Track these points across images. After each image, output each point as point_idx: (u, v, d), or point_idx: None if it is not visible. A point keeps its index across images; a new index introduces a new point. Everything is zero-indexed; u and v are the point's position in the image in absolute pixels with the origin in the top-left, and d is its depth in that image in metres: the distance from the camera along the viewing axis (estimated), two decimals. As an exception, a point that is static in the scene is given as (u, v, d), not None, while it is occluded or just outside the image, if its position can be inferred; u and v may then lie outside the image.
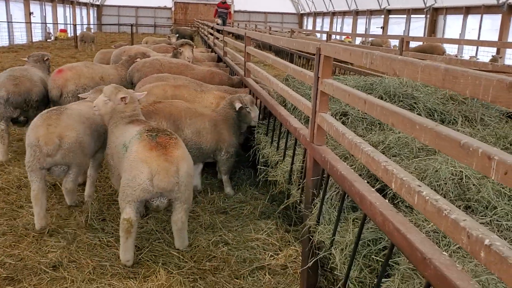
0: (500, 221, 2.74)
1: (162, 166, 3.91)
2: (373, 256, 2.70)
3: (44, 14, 31.67)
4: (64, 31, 33.68)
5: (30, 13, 28.71)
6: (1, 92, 6.21)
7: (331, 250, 2.93)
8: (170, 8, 46.18)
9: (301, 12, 48.33)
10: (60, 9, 35.54)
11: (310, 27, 45.26)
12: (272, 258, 4.29)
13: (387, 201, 2.38)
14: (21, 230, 4.59)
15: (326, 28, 40.65)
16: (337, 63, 13.01)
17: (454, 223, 1.59)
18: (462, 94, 1.58)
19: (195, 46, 10.22)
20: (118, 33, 40.09)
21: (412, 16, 28.86)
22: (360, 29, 35.32)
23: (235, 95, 5.88)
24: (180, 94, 6.12)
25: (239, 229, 4.88)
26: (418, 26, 28.51)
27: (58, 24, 34.39)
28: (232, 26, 27.19)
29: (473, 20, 23.34)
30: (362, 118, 4.48)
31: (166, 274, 3.90)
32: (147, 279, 3.86)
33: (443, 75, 1.73)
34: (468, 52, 21.57)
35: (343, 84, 2.88)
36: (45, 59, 7.45)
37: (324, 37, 24.69)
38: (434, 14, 26.27)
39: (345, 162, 3.21)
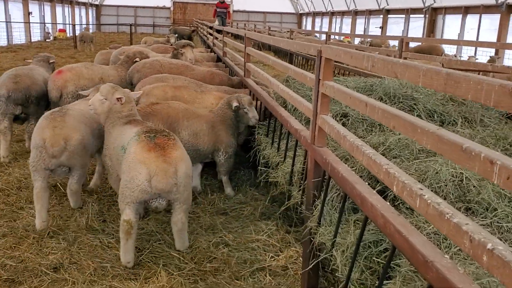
0: (500, 223, 2.75)
1: (161, 167, 3.92)
2: (374, 258, 2.71)
3: (42, 14, 31.64)
4: (63, 31, 33.67)
5: (29, 13, 28.69)
6: (2, 91, 6.39)
7: (332, 252, 2.94)
8: (169, 8, 46.16)
9: (300, 12, 48.34)
10: (59, 9, 35.51)
11: (309, 27, 45.28)
12: (273, 259, 4.30)
13: (388, 203, 2.38)
14: (21, 232, 4.59)
15: (325, 27, 40.67)
16: (337, 63, 13.04)
17: (456, 226, 1.60)
18: (464, 98, 1.58)
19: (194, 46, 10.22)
20: (117, 33, 40.07)
21: (411, 16, 28.89)
22: (359, 29, 35.34)
23: (233, 95, 5.87)
24: (180, 95, 6.12)
25: (240, 230, 4.88)
26: (417, 26, 28.54)
27: (57, 24, 34.35)
28: (231, 26, 27.19)
29: (472, 20, 23.37)
30: (363, 119, 4.49)
31: (167, 275, 3.90)
32: (148, 281, 3.87)
33: (444, 79, 1.73)
34: (467, 52, 21.60)
35: (344, 87, 2.89)
36: (50, 61, 7.65)
37: (323, 37, 24.71)
38: (433, 14, 26.30)
39: (346, 163, 3.22)
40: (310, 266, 3.23)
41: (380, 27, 32.04)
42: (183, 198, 4.13)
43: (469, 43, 13.62)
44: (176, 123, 5.35)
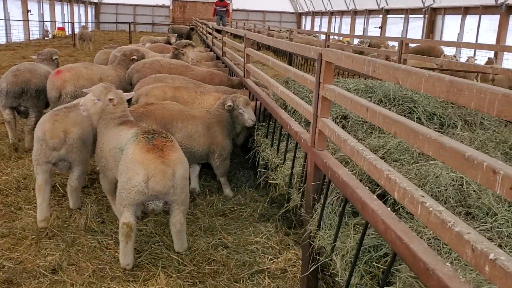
0: (500, 228, 2.74)
1: (159, 169, 3.91)
2: (374, 263, 2.70)
3: (41, 12, 31.55)
4: (62, 29, 33.58)
5: (28, 11, 28.60)
6: (2, 84, 6.73)
7: (332, 256, 2.93)
8: (168, 7, 46.08)
9: (299, 11, 48.31)
10: (57, 7, 35.41)
11: (308, 27, 45.26)
12: (272, 261, 4.29)
13: (389, 208, 2.37)
14: (19, 233, 4.58)
15: (324, 27, 40.65)
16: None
17: (458, 235, 1.59)
18: (466, 106, 1.57)
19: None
20: (116, 31, 39.99)
21: (410, 16, 28.88)
22: (358, 28, 35.33)
23: (230, 95, 5.84)
24: (180, 95, 6.10)
25: (239, 232, 4.87)
26: (416, 26, 28.53)
27: (56, 22, 34.26)
28: (231, 25, 27.16)
29: (471, 20, 23.36)
30: (362, 121, 4.48)
31: (166, 277, 3.89)
32: (147, 283, 3.86)
33: (447, 86, 1.72)
34: (466, 52, 21.60)
35: (344, 90, 2.88)
36: (53, 58, 7.91)
37: (322, 37, 24.69)
38: (433, 14, 26.29)
39: (345, 167, 3.21)
40: (310, 271, 3.22)
41: (379, 27, 32.03)
42: (181, 200, 4.12)
43: (469, 45, 13.60)
44: (170, 125, 5.29)
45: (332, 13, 39.83)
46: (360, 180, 2.98)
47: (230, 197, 5.77)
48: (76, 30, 27.03)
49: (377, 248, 2.78)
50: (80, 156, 4.89)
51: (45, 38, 30.44)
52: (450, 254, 2.47)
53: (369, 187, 2.91)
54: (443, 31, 25.88)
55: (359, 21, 35.55)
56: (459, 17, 23.98)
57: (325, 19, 41.49)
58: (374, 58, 2.44)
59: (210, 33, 16.70)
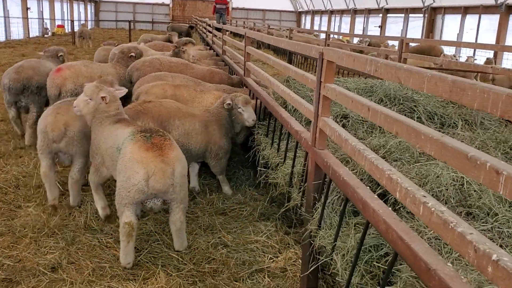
0: (501, 228, 2.74)
1: (159, 167, 3.90)
2: (374, 263, 2.70)
3: (41, 9, 31.48)
4: (62, 26, 33.53)
5: (27, 8, 28.54)
6: (5, 80, 6.93)
7: (332, 256, 2.93)
8: (168, 5, 46.01)
9: (299, 10, 48.27)
10: (57, 4, 35.33)
11: (308, 26, 45.23)
12: (272, 260, 4.29)
13: (390, 208, 2.37)
14: (19, 231, 4.58)
15: (324, 26, 40.63)
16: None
17: (461, 236, 1.59)
18: (469, 106, 1.57)
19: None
20: (115, 29, 39.92)
21: (410, 15, 28.88)
22: (358, 27, 35.32)
23: (229, 94, 5.81)
24: (180, 93, 6.08)
25: (239, 231, 4.87)
26: (416, 26, 28.53)
27: (55, 20, 34.19)
28: (230, 23, 27.13)
29: (471, 20, 23.37)
30: (363, 120, 4.48)
31: (166, 276, 3.89)
32: (147, 281, 3.85)
33: (450, 86, 1.72)
34: (466, 52, 21.60)
35: (346, 90, 2.87)
36: (58, 55, 8.08)
37: (322, 36, 24.67)
38: (432, 14, 26.29)
39: (346, 166, 3.20)
40: (310, 270, 3.22)
41: (379, 26, 32.03)
42: (180, 198, 4.13)
43: (469, 44, 13.58)
44: (167, 122, 5.26)
45: (332, 12, 39.81)
46: (361, 180, 2.97)
47: (229, 195, 5.76)
48: (76, 28, 26.96)
49: (377, 248, 2.78)
50: (81, 149, 4.98)
51: (45, 35, 30.38)
52: (451, 254, 2.47)
53: (369, 187, 2.91)
54: (443, 30, 25.88)
55: (359, 20, 35.55)
56: (459, 16, 23.98)
57: (325, 18, 41.47)
58: (376, 58, 2.43)
59: (210, 31, 16.67)
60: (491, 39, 20.50)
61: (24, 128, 7.43)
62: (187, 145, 5.33)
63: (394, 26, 30.97)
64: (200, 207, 5.42)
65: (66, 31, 33.30)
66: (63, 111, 4.95)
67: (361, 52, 15.93)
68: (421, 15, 27.15)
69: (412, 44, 14.77)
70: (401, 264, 2.49)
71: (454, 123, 4.69)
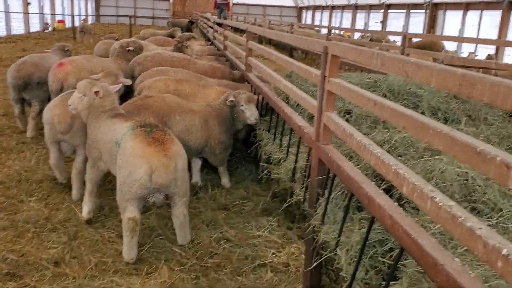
0: (506, 224, 2.74)
1: (162, 162, 3.90)
2: (379, 258, 2.69)
3: (41, 4, 31.34)
4: (62, 22, 33.38)
5: (28, 3, 28.42)
6: (8, 78, 7.10)
7: (336, 251, 2.92)
8: (169, 0, 45.84)
9: (300, 6, 48.08)
10: (57, -1, 35.23)
11: (309, 21, 45.07)
12: (274, 255, 4.28)
13: (396, 203, 2.36)
14: (21, 225, 4.57)
15: (325, 22, 40.49)
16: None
17: (470, 231, 1.58)
18: (479, 100, 1.56)
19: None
20: (116, 24, 39.80)
21: (411, 11, 28.77)
22: (359, 23, 35.20)
23: (233, 91, 5.77)
24: (182, 88, 6.07)
25: (241, 226, 4.86)
26: (417, 21, 28.42)
27: (56, 15, 34.08)
28: (231, 19, 27.04)
29: (472, 16, 23.27)
30: (366, 116, 4.47)
31: (169, 271, 3.89)
32: (150, 276, 3.85)
33: (459, 80, 1.70)
34: (467, 48, 21.53)
35: (351, 84, 2.85)
36: (65, 49, 8.25)
37: (323, 31, 24.60)
38: (434, 9, 26.19)
39: (350, 161, 3.19)
40: (314, 265, 3.21)
41: (380, 22, 31.93)
42: (182, 192, 4.13)
43: (474, 40, 13.52)
44: (167, 117, 5.25)
45: (333, 8, 39.67)
46: (365, 175, 2.97)
47: (227, 187, 5.74)
48: (76, 23, 26.88)
49: (382, 243, 2.78)
50: (85, 140, 4.95)
51: (45, 31, 30.29)
52: (456, 249, 2.46)
53: (373, 182, 2.90)
54: (444, 26, 25.79)
55: (360, 16, 35.43)
56: (461, 12, 23.89)
57: (326, 14, 41.33)
58: (382, 51, 2.42)
59: (211, 27, 16.63)
60: (493, 35, 20.41)
61: (26, 123, 7.44)
62: (187, 141, 5.31)
63: (396, 22, 30.86)
64: (202, 202, 5.41)
65: (67, 26, 33.17)
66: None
67: (362, 47, 15.84)
68: (423, 10, 27.05)
69: (414, 40, 14.74)
70: (406, 259, 2.49)
71: (458, 118, 4.68)
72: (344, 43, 2.88)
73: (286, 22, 29.36)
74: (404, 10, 29.56)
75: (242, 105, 5.52)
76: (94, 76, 5.68)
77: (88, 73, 6.70)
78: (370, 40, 19.55)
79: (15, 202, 5.08)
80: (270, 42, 20.04)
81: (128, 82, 5.71)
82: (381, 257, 2.71)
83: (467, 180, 3.13)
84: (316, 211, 3.31)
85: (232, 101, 5.51)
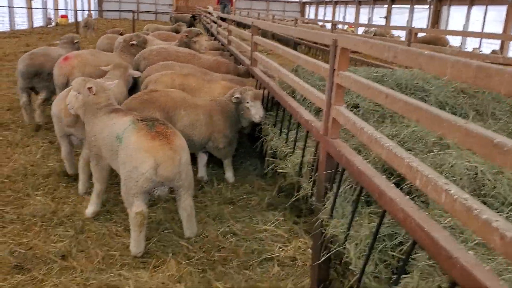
0: (516, 218, 2.72)
1: (168, 155, 3.90)
2: (389, 252, 2.68)
3: (45, 0, 31.34)
4: (65, 17, 33.37)
5: (31, -2, 28.43)
6: (20, 66, 7.25)
7: (345, 245, 2.91)
8: (172, -5, 45.77)
9: (303, 1, 47.93)
10: (60, -6, 35.16)
11: (312, 16, 44.94)
12: (281, 249, 4.28)
13: (407, 197, 2.35)
14: (28, 219, 4.58)
15: (329, 17, 40.39)
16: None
17: (486, 223, 1.57)
18: (495, 91, 1.54)
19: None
20: (119, 19, 39.76)
21: (415, 6, 28.67)
22: (363, 18, 35.09)
23: (239, 87, 5.74)
24: (188, 83, 6.06)
25: (247, 220, 4.86)
26: (421, 17, 28.33)
27: (59, 10, 34.05)
28: (234, 14, 26.93)
29: (477, 11, 23.17)
30: (374, 110, 4.45)
31: (176, 264, 3.89)
32: (157, 269, 3.86)
33: (475, 72, 1.69)
34: (471, 44, 21.45)
35: (361, 77, 2.84)
36: (74, 41, 8.44)
37: (327, 26, 24.48)
38: (438, 5, 26.08)
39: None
40: (323, 259, 3.21)
41: (384, 17, 31.81)
42: (187, 184, 4.16)
43: (478, 34, 13.42)
44: (173, 112, 5.24)
45: (336, 3, 39.55)
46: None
47: (230, 181, 5.72)
48: (79, 18, 26.86)
49: (391, 237, 2.77)
50: None
51: (48, 26, 30.28)
52: (467, 243, 2.45)
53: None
54: (449, 21, 25.69)
55: (364, 11, 35.32)
56: (465, 8, 23.78)
57: (329, 9, 41.22)
58: (394, 44, 2.40)
59: (214, 22, 16.58)
60: (498, 31, 20.33)
61: (32, 117, 7.54)
62: (191, 136, 5.31)
63: (399, 17, 30.76)
64: (208, 197, 5.41)
65: (69, 21, 33.15)
66: None
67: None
68: (427, 6, 26.95)
69: (419, 35, 14.66)
70: (416, 253, 2.48)
71: (465, 113, 4.65)
72: (354, 36, 2.86)
73: (289, 17, 29.26)
74: (408, 6, 29.45)
75: (247, 102, 5.48)
76: (104, 68, 5.87)
77: (93, 67, 6.69)
78: (373, 35, 19.48)
79: (21, 196, 5.09)
80: (273, 37, 19.97)
81: (137, 74, 5.77)
82: (391, 250, 2.70)
83: (476, 174, 3.12)
84: (324, 205, 3.30)
85: (237, 97, 5.48)
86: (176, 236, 4.41)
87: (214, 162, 6.30)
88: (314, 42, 15.80)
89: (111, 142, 4.14)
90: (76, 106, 4.55)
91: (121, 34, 11.23)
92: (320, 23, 26.68)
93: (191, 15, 25.39)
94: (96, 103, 4.47)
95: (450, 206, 1.79)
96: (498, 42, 18.93)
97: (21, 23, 26.51)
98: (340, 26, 24.54)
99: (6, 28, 24.23)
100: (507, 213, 2.78)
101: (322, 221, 3.31)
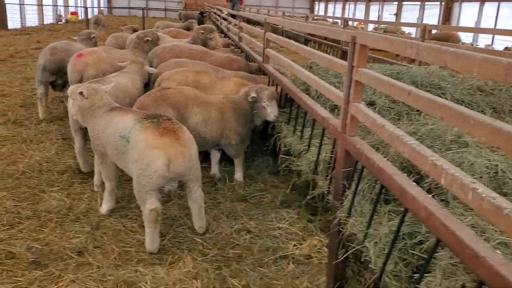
0: (539, 217, 2.69)
1: (179, 151, 3.92)
2: (409, 250, 2.67)
3: (55, -4, 31.52)
4: (75, 13, 33.51)
5: (41, -5, 28.59)
6: (40, 60, 7.46)
7: (364, 243, 2.90)
8: (181, -8, 45.71)
9: (313, -3, 47.69)
10: (70, -9, 35.30)
11: (321, 13, 44.74)
12: (296, 247, 4.28)
13: (430, 196, 2.33)
14: (44, 215, 4.61)
15: (338, 13, 40.17)
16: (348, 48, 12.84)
17: (517, 222, 1.55)
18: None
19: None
20: (128, 16, 39.86)
21: (426, 3, 28.42)
22: (373, 15, 34.87)
23: (256, 86, 5.71)
24: (201, 80, 6.06)
25: (260, 217, 4.86)
26: (432, 14, 28.09)
27: (69, 7, 34.22)
28: (244, 11, 26.89)
29: (489, 8, 22.93)
30: (389, 108, 4.42)
31: (192, 261, 3.90)
32: (173, 266, 3.87)
33: (505, 69, 1.66)
34: (483, 41, 21.22)
35: (381, 74, 2.81)
36: (91, 36, 8.83)
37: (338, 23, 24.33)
38: (449, 2, 25.83)
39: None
40: (342, 257, 3.19)
41: (394, 14, 31.59)
42: (196, 177, 4.19)
43: (494, 31, 13.23)
44: (185, 110, 5.24)
45: (346, 0, 39.33)
46: (393, 167, 2.93)
47: (239, 182, 5.72)
48: (89, 15, 26.97)
49: (411, 236, 2.75)
50: None
51: (58, 22, 30.42)
52: (489, 242, 2.43)
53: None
54: (460, 19, 25.44)
55: (374, 8, 35.10)
56: (477, 4, 23.54)
57: (339, 6, 41.01)
58: (416, 41, 2.37)
59: (224, 19, 16.56)
60: (510, 28, 20.09)
61: (46, 113, 7.78)
62: (203, 133, 5.31)
63: (410, 14, 30.53)
64: (221, 193, 5.42)
65: (80, 18, 33.30)
66: None
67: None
68: (438, 3, 26.71)
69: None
70: (437, 252, 2.46)
71: (482, 111, 4.61)
72: (373, 33, 2.84)
73: (299, 14, 29.16)
74: (419, 3, 29.21)
75: (264, 102, 5.46)
76: (121, 64, 6.02)
77: (107, 64, 6.72)
78: (383, 32, 19.34)
79: (36, 193, 5.13)
80: (283, 34, 19.91)
81: (153, 70, 5.83)
82: (411, 249, 2.69)
83: (496, 173, 3.09)
84: (342, 204, 3.29)
85: (254, 97, 5.45)
86: (190, 232, 4.43)
87: (227, 160, 6.30)
88: (324, 38, 15.73)
89: (116, 140, 4.14)
90: (74, 112, 4.65)
91: (135, 30, 11.26)
92: (330, 20, 26.53)
93: (199, 12, 25.39)
94: (90, 106, 4.51)
95: (477, 205, 1.77)
96: (511, 38, 18.69)
97: (32, 20, 26.68)
98: (350, 23, 24.40)
99: (17, 25, 24.39)
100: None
101: (339, 219, 3.30)
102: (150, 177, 3.89)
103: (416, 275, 2.47)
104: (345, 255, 3.18)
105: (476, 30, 17.04)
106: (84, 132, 5.38)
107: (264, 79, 6.82)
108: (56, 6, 31.32)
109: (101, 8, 38.40)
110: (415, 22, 28.43)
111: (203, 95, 5.55)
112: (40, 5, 28.04)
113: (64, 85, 7.60)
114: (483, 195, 1.74)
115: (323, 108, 4.22)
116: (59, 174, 5.59)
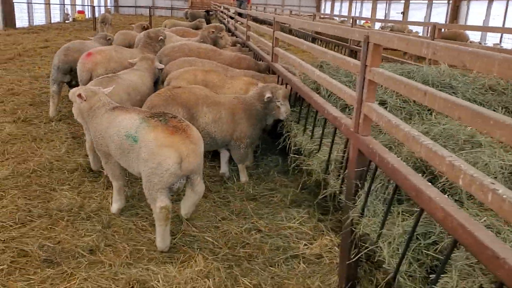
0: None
1: (191, 148, 3.94)
2: (423, 251, 2.66)
3: (62, -5, 31.62)
4: (82, 12, 33.63)
5: (49, -6, 28.71)
6: (55, 60, 7.59)
7: (378, 243, 2.89)
8: (187, -10, 45.72)
9: (319, -4, 47.53)
10: (78, -10, 35.41)
11: (328, 11, 44.59)
12: (306, 247, 4.27)
13: (446, 196, 2.32)
14: (55, 213, 4.64)
15: (345, 12, 40.03)
16: (356, 47, 12.80)
17: (540, 224, 1.53)
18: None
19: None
20: (135, 15, 39.96)
21: (434, 1, 28.24)
22: (380, 14, 34.72)
23: (268, 85, 5.66)
24: (210, 79, 6.06)
25: (270, 217, 4.86)
26: (439, 12, 27.93)
27: (76, 6, 34.34)
28: (250, 9, 26.86)
29: (498, 6, 22.75)
30: (401, 107, 4.40)
31: (204, 260, 3.91)
32: (184, 264, 3.88)
33: (527, 69, 1.65)
34: (491, 40, 21.06)
35: (396, 74, 2.80)
36: (107, 38, 9.04)
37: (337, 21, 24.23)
38: (457, 0, 25.66)
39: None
40: (356, 258, 3.19)
41: (401, 13, 31.41)
42: (200, 171, 4.21)
43: (505, 30, 13.10)
44: (195, 109, 5.24)
45: (352, -2, 39.17)
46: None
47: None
48: (96, 14, 27.06)
49: (425, 236, 2.74)
50: None
51: (66, 21, 30.54)
52: (506, 242, 2.41)
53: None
54: (468, 17, 25.27)
55: (381, 6, 34.94)
56: (485, 2, 23.36)
57: (346, 4, 40.85)
58: (432, 41, 2.36)
59: (231, 17, 16.56)
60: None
61: (57, 112, 7.89)
62: (213, 133, 5.30)
63: (417, 13, 30.34)
64: (230, 192, 5.43)
65: (87, 17, 33.42)
66: (104, 86, 4.98)
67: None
68: (445, 1, 26.55)
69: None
70: (453, 253, 2.44)
71: (494, 110, 4.58)
72: (387, 32, 2.82)
73: (305, 12, 29.08)
74: (426, 1, 29.04)
75: (278, 101, 5.44)
76: (131, 60, 6.11)
77: (116, 63, 6.74)
78: (390, 31, 19.25)
79: (47, 191, 5.16)
80: (290, 32, 19.88)
81: (162, 66, 5.88)
82: (425, 249, 2.68)
83: (511, 173, 3.07)
84: (354, 204, 3.28)
85: (269, 97, 5.40)
86: (200, 231, 4.43)
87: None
88: (331, 37, 15.69)
89: (120, 140, 4.14)
90: (76, 115, 4.71)
91: (145, 28, 11.29)
92: (337, 19, 26.44)
93: (205, 10, 25.38)
94: (89, 108, 4.53)
95: (498, 206, 1.76)
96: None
97: (40, 19, 26.80)
98: (357, 21, 24.28)
99: (25, 24, 24.51)
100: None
101: (352, 219, 3.29)
102: (161, 176, 3.90)
103: (430, 276, 2.46)
104: (358, 255, 3.17)
105: (485, 28, 16.90)
106: None
107: (273, 78, 6.81)
108: (64, 5, 31.43)
109: (108, 7, 38.52)
110: (422, 20, 28.26)
111: (213, 94, 5.54)
112: (47, 4, 28.16)
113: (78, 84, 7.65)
114: (504, 196, 1.73)
115: (335, 108, 4.21)
116: (69, 173, 5.62)
